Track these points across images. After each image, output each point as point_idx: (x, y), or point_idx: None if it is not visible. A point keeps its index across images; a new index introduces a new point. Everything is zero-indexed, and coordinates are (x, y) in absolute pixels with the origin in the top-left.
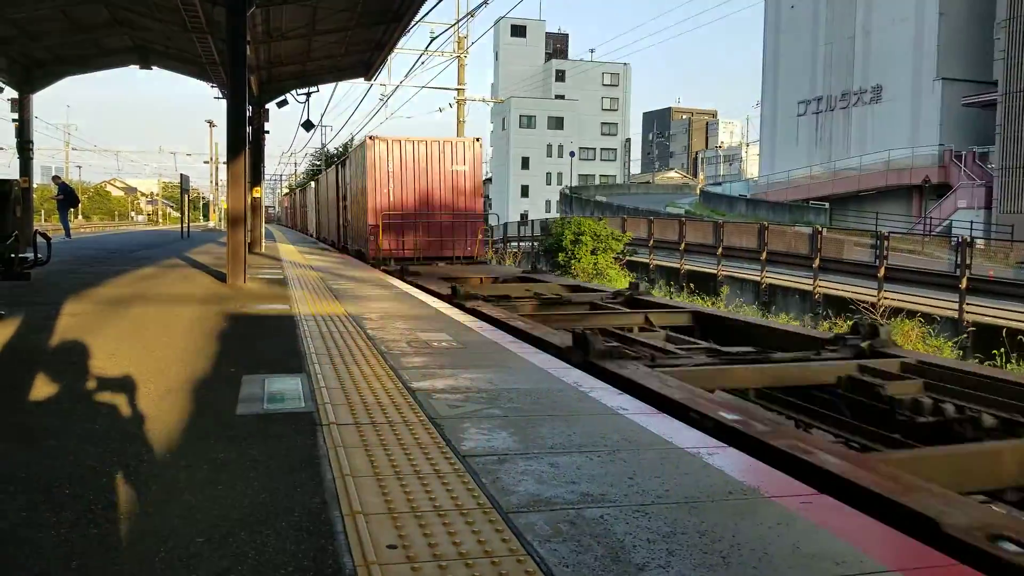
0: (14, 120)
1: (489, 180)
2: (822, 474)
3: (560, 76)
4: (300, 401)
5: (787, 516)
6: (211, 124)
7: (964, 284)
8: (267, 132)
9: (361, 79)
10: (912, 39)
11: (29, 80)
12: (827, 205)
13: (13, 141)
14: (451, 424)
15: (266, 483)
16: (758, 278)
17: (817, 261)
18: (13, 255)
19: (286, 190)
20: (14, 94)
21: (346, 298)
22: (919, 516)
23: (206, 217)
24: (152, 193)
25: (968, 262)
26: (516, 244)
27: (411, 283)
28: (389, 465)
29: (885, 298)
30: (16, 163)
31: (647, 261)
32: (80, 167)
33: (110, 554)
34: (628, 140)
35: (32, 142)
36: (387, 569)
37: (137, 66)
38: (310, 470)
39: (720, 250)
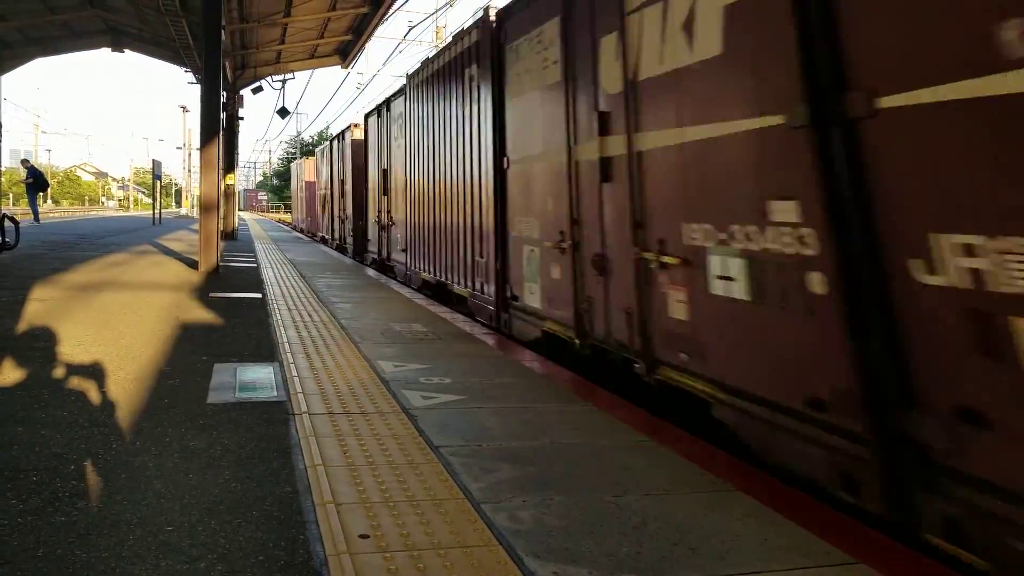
0: None
1: None
2: None
3: None
4: (272, 389)
5: None
6: (184, 109)
7: None
8: (241, 119)
9: (338, 66)
10: None
11: None
12: None
13: None
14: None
15: (236, 472)
16: None
17: None
18: None
19: (274, 160)
20: None
21: (317, 286)
22: None
23: (178, 204)
24: (123, 179)
25: None
26: None
27: None
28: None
29: None
30: None
31: None
32: (50, 151)
33: (77, 541)
34: None
35: (0, 124)
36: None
37: (109, 49)
38: (282, 459)
39: None
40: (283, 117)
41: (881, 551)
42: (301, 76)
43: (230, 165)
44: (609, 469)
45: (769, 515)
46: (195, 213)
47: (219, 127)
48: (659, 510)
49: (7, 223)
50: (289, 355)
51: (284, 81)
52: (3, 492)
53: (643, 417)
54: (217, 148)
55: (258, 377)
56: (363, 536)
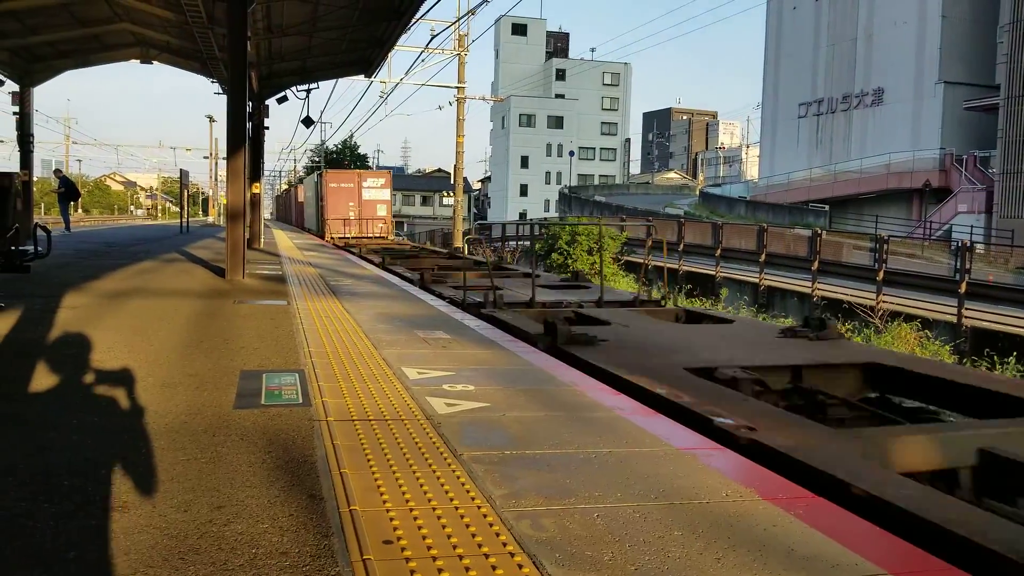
0: (15, 113)
1: (488, 179)
2: None
3: (560, 75)
4: (297, 396)
5: None
6: (211, 119)
7: (963, 288)
8: (267, 128)
9: (361, 76)
10: (914, 42)
11: (30, 73)
12: (827, 207)
13: (14, 134)
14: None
15: (261, 477)
16: (756, 280)
17: (816, 263)
18: (13, 248)
19: None
20: (15, 87)
21: (343, 294)
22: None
23: (205, 212)
24: (151, 188)
25: (968, 267)
26: (514, 243)
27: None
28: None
29: (884, 301)
30: (17, 156)
31: (644, 261)
32: (80, 161)
33: (107, 544)
34: (628, 140)
35: (33, 135)
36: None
37: (138, 60)
38: (306, 466)
39: (719, 251)
40: (307, 127)
41: (909, 562)
42: (325, 85)
43: (256, 174)
44: (633, 478)
45: (795, 525)
46: (222, 222)
47: (245, 137)
48: (684, 519)
49: (39, 232)
50: (313, 362)
51: (308, 91)
52: (36, 496)
53: (667, 425)
54: (243, 157)
55: (283, 384)
56: (386, 542)
